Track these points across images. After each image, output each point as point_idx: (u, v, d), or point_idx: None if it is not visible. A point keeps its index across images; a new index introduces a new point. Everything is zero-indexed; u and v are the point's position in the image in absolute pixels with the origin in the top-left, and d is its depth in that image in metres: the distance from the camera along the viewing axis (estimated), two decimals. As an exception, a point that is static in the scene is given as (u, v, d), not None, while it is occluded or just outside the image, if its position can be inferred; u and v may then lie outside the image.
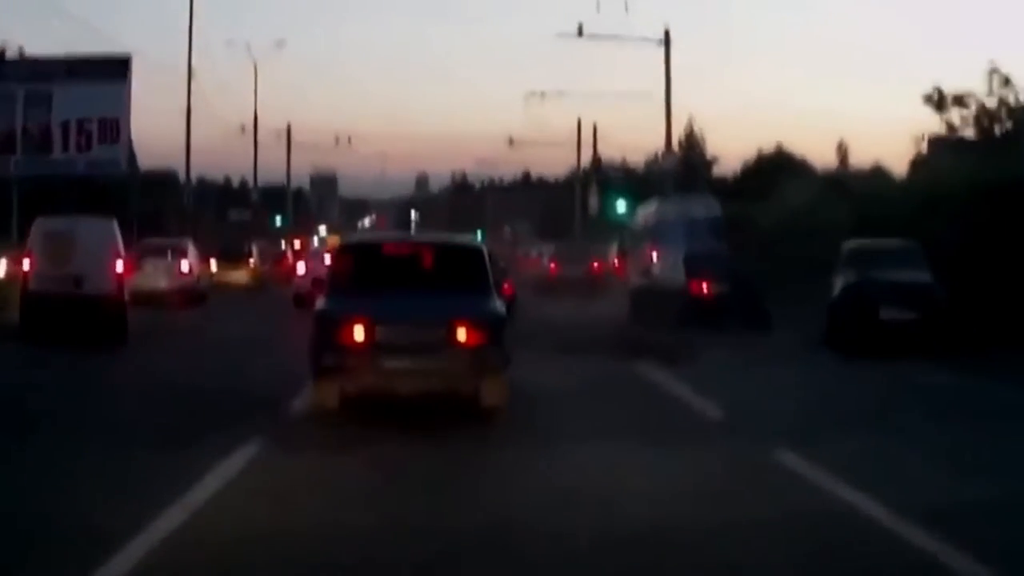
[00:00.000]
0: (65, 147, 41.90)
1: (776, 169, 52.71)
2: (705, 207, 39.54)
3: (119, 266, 23.57)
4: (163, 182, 69.78)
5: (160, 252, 36.64)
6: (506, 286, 25.66)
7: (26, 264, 23.61)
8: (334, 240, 75.25)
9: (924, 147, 59.21)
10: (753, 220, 40.67)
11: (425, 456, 11.40)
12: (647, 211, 44.39)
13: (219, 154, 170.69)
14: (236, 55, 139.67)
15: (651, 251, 36.35)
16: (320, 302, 13.29)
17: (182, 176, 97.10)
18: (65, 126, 41.92)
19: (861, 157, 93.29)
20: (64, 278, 22.68)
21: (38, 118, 41.80)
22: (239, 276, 47.51)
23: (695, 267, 29.35)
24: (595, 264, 49.91)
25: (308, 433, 12.85)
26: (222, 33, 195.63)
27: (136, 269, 31.97)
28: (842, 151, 77.73)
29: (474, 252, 14.07)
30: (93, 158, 42.16)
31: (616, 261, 51.04)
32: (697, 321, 27.01)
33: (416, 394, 13.01)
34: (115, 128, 41.88)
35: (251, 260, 50.21)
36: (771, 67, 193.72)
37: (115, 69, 42.34)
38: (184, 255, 36.90)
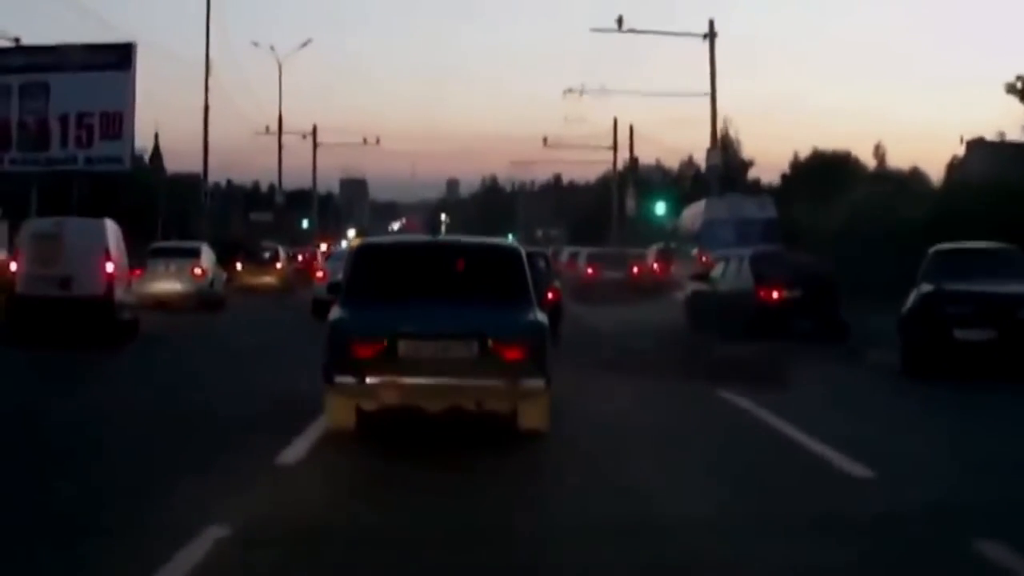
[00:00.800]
0: (64, 142, 38.25)
1: (828, 168, 49.84)
2: (758, 207, 38.38)
3: (108, 267, 22.74)
4: (192, 185, 66.14)
5: (172, 255, 35.66)
6: (551, 292, 22.87)
7: (13, 266, 23.31)
8: (357, 242, 72.23)
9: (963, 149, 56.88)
10: (812, 222, 37.35)
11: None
12: (694, 211, 42.51)
13: (249, 158, 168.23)
14: (264, 59, 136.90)
15: (703, 254, 34.44)
16: (335, 311, 11.72)
17: (209, 181, 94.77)
18: (64, 120, 38.32)
19: (895, 159, 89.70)
20: (51, 279, 22.26)
21: (35, 111, 38.30)
22: (266, 279, 45.90)
23: (763, 271, 25.72)
24: (635, 268, 46.82)
25: (303, 491, 9.66)
26: (249, 34, 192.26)
27: (147, 272, 32.51)
28: (880, 153, 73.54)
29: (510, 255, 12.48)
30: (94, 154, 38.39)
31: (656, 264, 49.51)
32: (765, 330, 23.73)
33: (443, 415, 11.31)
34: (118, 122, 38.13)
35: (278, 263, 48.56)
36: (795, 68, 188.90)
37: (118, 57, 38.57)
38: (197, 258, 35.49)
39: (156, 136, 77.99)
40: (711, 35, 46.48)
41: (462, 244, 13.77)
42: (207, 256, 36.44)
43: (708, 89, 46.61)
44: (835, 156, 56.65)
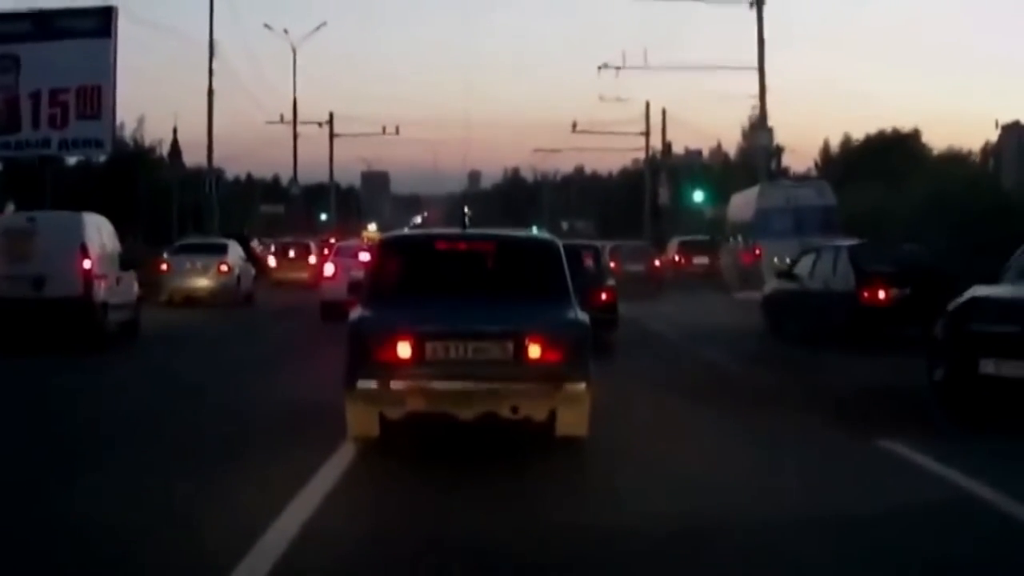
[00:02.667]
0: (35, 123, 32.68)
1: (888, 151, 44.65)
2: (816, 193, 34.68)
3: (86, 264, 20.24)
4: (216, 181, 61.43)
5: (199, 251, 34.22)
6: (604, 293, 19.43)
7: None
8: (372, 234, 68.35)
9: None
10: (878, 208, 32.27)
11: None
12: (744, 199, 38.75)
13: (269, 151, 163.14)
14: (278, 45, 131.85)
15: (756, 246, 32.49)
16: (357, 311, 10.42)
17: (228, 174, 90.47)
18: (35, 97, 32.74)
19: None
20: (23, 279, 20.09)
21: (3, 87, 32.65)
22: (298, 274, 42.97)
23: (866, 266, 20.40)
24: (655, 262, 41.91)
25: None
26: (260, 17, 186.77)
27: (173, 268, 32.47)
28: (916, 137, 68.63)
29: (547, 249, 11.24)
30: (70, 136, 32.85)
31: (679, 257, 48.38)
32: (867, 336, 19.41)
33: (475, 422, 9.83)
34: (96, 98, 32.64)
35: (310, 258, 45.24)
36: (821, 52, 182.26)
37: (96, 23, 32.85)
38: (224, 254, 34.06)
39: (175, 130, 74.83)
40: (759, 2, 41.99)
41: (494, 237, 12.17)
42: (234, 252, 34.89)
43: (754, 62, 41.88)
44: (898, 136, 50.97)
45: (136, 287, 23.12)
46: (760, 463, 9.98)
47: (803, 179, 43.11)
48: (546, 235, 13.04)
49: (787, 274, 22.56)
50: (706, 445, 10.78)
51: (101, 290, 20.66)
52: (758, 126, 43.14)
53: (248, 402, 13.14)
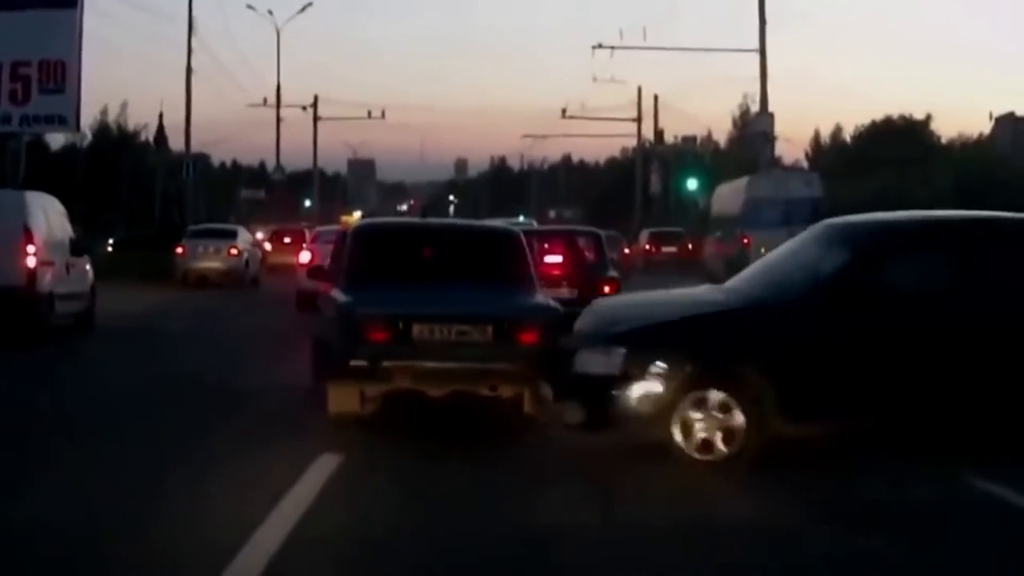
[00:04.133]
0: (-6, 98, 30.04)
1: (897, 138, 42.38)
2: (805, 183, 34.50)
3: (30, 251, 17.96)
4: (192, 164, 59.20)
5: (211, 236, 37.43)
6: (607, 286, 17.30)
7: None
8: (349, 220, 66.25)
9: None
10: (891, 197, 30.05)
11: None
12: (732, 189, 37.83)
13: (256, 137, 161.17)
14: (263, 27, 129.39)
15: (745, 236, 31.96)
16: (338, 293, 10.95)
17: (215, 160, 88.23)
18: (-6, 70, 30.09)
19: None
20: None
21: (-42, 61, 30.08)
22: (292, 259, 42.30)
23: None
24: (624, 250, 42.08)
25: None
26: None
27: (188, 252, 35.62)
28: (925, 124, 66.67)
29: (510, 240, 11.95)
30: (32, 112, 30.26)
31: (649, 247, 49.57)
32: None
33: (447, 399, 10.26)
34: (59, 72, 30.01)
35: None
36: (807, 43, 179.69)
37: (59, -6, 30.37)
38: (234, 239, 37.21)
39: (160, 116, 73.88)
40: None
41: (460, 227, 13.35)
42: (243, 237, 38.01)
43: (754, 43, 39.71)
44: (908, 123, 48.66)
45: (90, 275, 20.73)
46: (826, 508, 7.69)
47: (792, 170, 40.75)
48: (508, 227, 13.57)
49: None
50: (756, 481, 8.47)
51: (47, 279, 18.40)
52: (759, 111, 40.88)
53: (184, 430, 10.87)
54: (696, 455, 8.82)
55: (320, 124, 69.81)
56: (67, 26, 30.14)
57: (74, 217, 21.19)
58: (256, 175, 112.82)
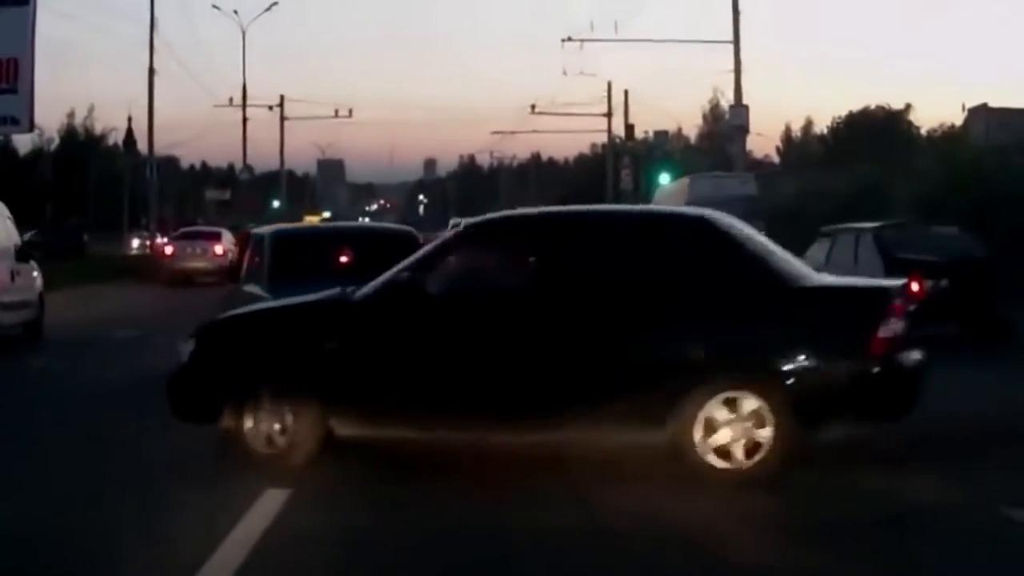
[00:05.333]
0: (-58, 99, 28.77)
1: (875, 129, 41.44)
2: (740, 183, 36.06)
3: None
4: (161, 166, 62.74)
5: (198, 237, 40.21)
6: None
7: None
8: (313, 220, 65.23)
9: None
10: (869, 191, 29.01)
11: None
12: (674, 189, 39.14)
13: (225, 138, 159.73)
14: (228, 27, 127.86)
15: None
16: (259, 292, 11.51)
17: (184, 162, 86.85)
18: (-58, 70, 28.80)
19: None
20: None
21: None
22: None
23: (897, 253, 16.93)
24: None
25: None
26: None
27: (177, 252, 38.41)
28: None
29: (409, 238, 12.72)
30: (-19, 114, 28.99)
31: None
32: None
33: None
34: (12, 71, 28.76)
35: None
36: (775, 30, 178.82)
37: (10, -10, 29.07)
38: (219, 240, 39.38)
39: (129, 119, 73.01)
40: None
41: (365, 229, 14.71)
42: (227, 238, 39.58)
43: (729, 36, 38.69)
44: (888, 114, 47.68)
45: (38, 281, 19.45)
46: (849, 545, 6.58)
47: (729, 173, 40.64)
48: (409, 228, 14.20)
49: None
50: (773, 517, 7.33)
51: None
52: (734, 103, 39.87)
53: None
54: (262, 449, 8.49)
55: (289, 125, 68.69)
56: (20, 24, 28.90)
57: (42, 220, 20.03)
58: (225, 176, 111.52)
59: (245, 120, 64.80)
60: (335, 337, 8.59)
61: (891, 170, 30.34)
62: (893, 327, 8.02)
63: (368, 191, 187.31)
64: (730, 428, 7.89)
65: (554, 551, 6.45)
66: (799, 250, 19.02)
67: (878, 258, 16.78)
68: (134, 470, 8.63)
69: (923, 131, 49.75)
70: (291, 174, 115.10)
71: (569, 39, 48.28)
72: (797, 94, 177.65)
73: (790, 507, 7.52)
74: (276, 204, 77.02)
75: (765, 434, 7.84)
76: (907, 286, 8.64)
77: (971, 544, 6.68)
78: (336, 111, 67.25)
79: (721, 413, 7.89)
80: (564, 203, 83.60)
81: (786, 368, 7.90)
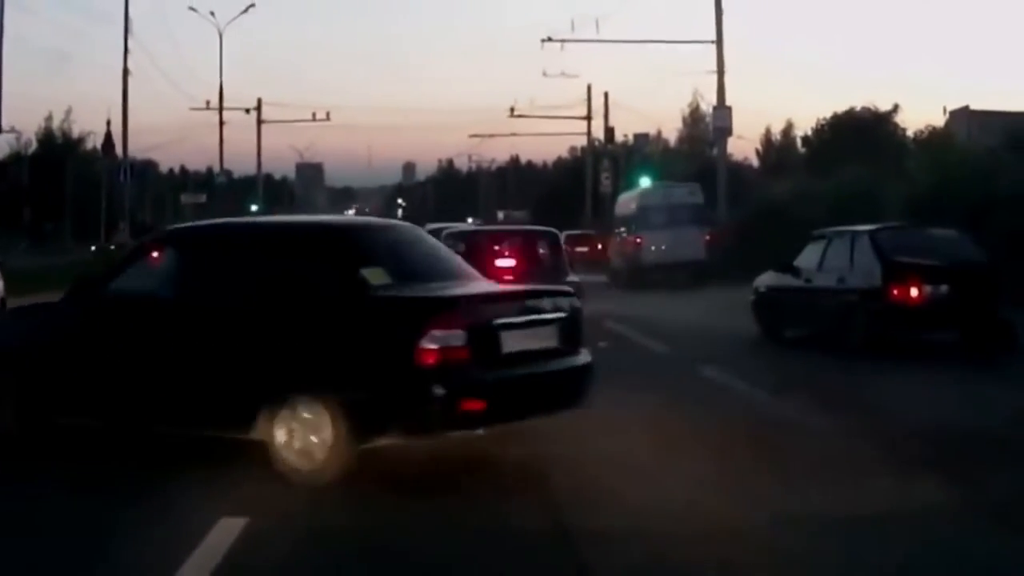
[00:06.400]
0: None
1: (860, 131, 40.68)
2: (688, 193, 37.41)
3: None
4: (141, 171, 64.05)
5: None
6: None
7: None
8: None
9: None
10: (855, 194, 28.26)
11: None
12: (630, 198, 40.72)
13: (205, 143, 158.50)
14: (206, 31, 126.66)
15: (637, 236, 36.19)
16: None
17: (163, 166, 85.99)
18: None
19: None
20: None
21: None
22: None
23: (896, 256, 16.04)
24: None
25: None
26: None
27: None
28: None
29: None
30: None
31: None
32: (893, 340, 15.67)
33: None
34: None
35: None
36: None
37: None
38: None
39: (108, 123, 71.06)
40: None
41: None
42: None
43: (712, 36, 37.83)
44: (874, 115, 46.83)
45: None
46: None
47: (678, 183, 41.32)
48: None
49: (787, 267, 18.12)
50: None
51: None
52: (717, 105, 38.97)
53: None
54: None
55: (268, 128, 67.86)
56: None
57: (20, 224, 19.04)
58: (204, 180, 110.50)
59: (222, 124, 64.09)
60: (47, 334, 9.41)
61: (880, 172, 29.51)
62: (442, 340, 7.83)
63: (346, 195, 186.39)
64: (303, 433, 8.05)
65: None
66: (788, 253, 18.34)
67: (876, 261, 15.93)
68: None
69: (909, 133, 49.01)
70: (270, 178, 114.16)
71: (549, 39, 47.37)
72: (774, 98, 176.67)
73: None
74: (254, 208, 75.98)
75: (328, 441, 7.96)
76: (469, 299, 8.58)
77: None
78: (314, 114, 66.46)
79: (295, 419, 8.07)
80: (539, 208, 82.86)
81: (339, 380, 8.06)
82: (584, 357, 9.05)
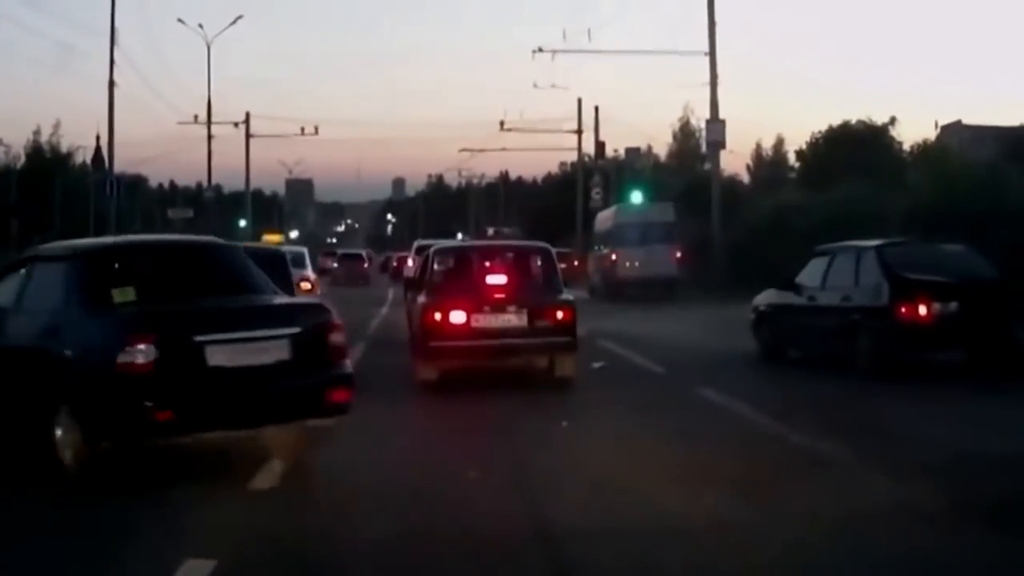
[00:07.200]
0: None
1: (857, 145, 40.16)
2: (660, 212, 38.87)
3: None
4: (132, 186, 65.07)
5: None
6: (560, 311, 14.84)
7: None
8: (272, 240, 63.71)
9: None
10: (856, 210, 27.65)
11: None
12: (607, 215, 41.95)
13: (193, 158, 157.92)
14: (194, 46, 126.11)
15: (613, 252, 38.07)
16: None
17: (152, 181, 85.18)
18: None
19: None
20: None
21: None
22: None
23: (903, 273, 15.26)
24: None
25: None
26: (174, 12, 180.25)
27: None
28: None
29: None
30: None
31: None
32: (902, 360, 14.91)
33: None
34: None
35: None
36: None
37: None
38: None
39: (97, 138, 70.63)
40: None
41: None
42: None
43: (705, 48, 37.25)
44: (871, 129, 46.21)
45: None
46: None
47: (652, 202, 42.20)
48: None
49: (788, 284, 17.41)
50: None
51: None
52: (710, 118, 38.30)
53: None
54: None
55: (257, 143, 67.18)
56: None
57: (8, 238, 18.61)
58: (193, 195, 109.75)
59: (210, 138, 63.35)
60: None
61: (879, 185, 28.91)
62: (135, 355, 8.33)
63: (336, 210, 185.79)
64: (67, 435, 8.74)
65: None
66: (788, 268, 17.72)
67: (883, 278, 15.18)
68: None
69: (905, 147, 48.47)
70: (259, 193, 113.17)
71: (540, 50, 46.60)
72: (764, 113, 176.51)
73: None
74: (243, 223, 75.28)
75: (78, 443, 8.67)
76: (166, 315, 8.91)
77: None
78: (302, 129, 65.65)
79: (64, 423, 8.78)
80: (531, 223, 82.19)
81: (77, 391, 8.76)
82: (338, 369, 9.27)
